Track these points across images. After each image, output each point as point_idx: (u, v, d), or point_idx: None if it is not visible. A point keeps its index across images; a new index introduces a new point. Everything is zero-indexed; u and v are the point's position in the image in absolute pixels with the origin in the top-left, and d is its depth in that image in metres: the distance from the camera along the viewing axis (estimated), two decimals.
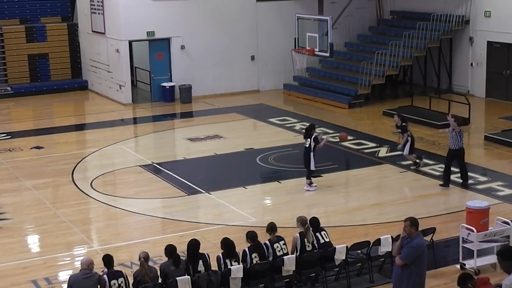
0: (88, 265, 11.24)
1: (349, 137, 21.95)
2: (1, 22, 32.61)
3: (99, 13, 30.73)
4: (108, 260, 11.31)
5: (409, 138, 19.55)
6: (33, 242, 16.18)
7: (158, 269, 11.64)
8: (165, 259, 11.83)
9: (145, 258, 11.35)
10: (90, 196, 18.34)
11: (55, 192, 19.14)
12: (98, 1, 30.64)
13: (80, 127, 27.10)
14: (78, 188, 19.02)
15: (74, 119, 28.39)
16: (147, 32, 29.39)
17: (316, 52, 26.55)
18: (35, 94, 31.75)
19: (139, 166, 20.89)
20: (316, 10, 28.95)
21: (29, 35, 32.66)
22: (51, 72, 33.03)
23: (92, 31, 31.72)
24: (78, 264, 12.59)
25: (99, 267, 11.67)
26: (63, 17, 33.90)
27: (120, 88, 29.92)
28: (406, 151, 19.60)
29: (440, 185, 18.02)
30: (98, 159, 21.96)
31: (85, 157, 22.01)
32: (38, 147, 23.22)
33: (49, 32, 32.97)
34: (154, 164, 20.97)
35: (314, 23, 27.11)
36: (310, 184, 18.16)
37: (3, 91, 31.64)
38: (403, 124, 19.59)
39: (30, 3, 33.44)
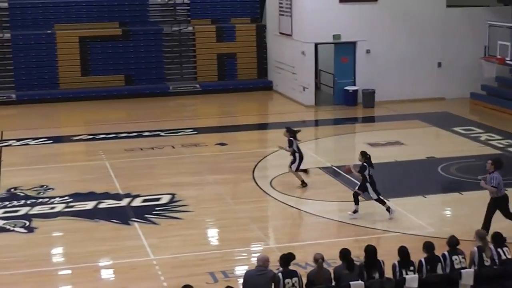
0: (263, 262, 11.38)
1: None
2: (193, 22, 33.88)
3: (287, 15, 31.16)
4: (285, 258, 11.39)
5: (297, 155, 18.87)
6: (212, 235, 16.66)
7: (331, 271, 11.62)
8: (338, 262, 11.79)
9: (322, 260, 11.36)
10: (269, 195, 18.63)
11: (235, 188, 19.60)
12: (286, 3, 31.09)
13: (262, 126, 27.63)
14: (258, 186, 19.37)
15: (257, 118, 28.99)
16: (333, 35, 29.47)
17: (507, 61, 25.57)
18: (222, 92, 32.70)
19: (318, 168, 20.96)
20: (510, 18, 27.85)
21: (219, 34, 33.72)
22: (238, 72, 33.90)
23: (279, 32, 32.22)
24: (254, 260, 12.82)
25: (274, 265, 11.79)
26: (252, 18, 34.70)
27: (304, 90, 30.18)
28: (294, 167, 18.95)
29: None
30: (278, 158, 22.20)
31: (266, 156, 22.39)
32: (222, 144, 23.88)
33: (238, 32, 33.87)
34: (333, 167, 20.98)
35: (507, 31, 26.11)
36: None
37: (191, 88, 32.86)
38: (290, 138, 18.94)
39: (221, 4, 34.51)
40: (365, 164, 16.66)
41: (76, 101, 31.01)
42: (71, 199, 18.37)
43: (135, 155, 22.72)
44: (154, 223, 16.69)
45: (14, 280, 13.85)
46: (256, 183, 19.61)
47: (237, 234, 16.01)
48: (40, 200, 18.38)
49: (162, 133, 25.42)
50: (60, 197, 18.54)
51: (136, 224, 16.64)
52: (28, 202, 18.21)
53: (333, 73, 30.55)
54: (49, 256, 15.29)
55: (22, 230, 16.41)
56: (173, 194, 18.59)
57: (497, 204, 15.30)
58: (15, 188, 19.31)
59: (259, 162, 21.65)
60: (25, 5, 32.63)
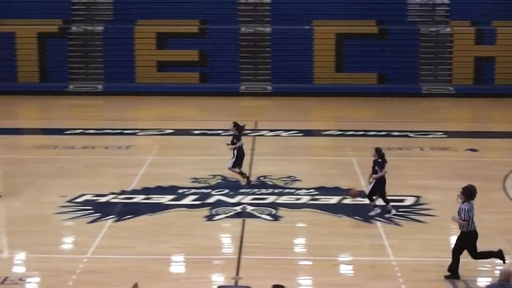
0: (506, 276, 10.92)
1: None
2: (452, 23, 33.14)
3: None
4: None
5: (235, 152, 18.77)
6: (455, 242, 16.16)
7: None
8: None
9: None
10: None
11: (482, 197, 18.71)
12: None
13: None
14: (508, 196, 18.56)
15: None
16: None
17: None
18: (477, 97, 31.67)
19: None
20: None
21: (478, 37, 32.71)
22: (495, 76, 32.67)
23: None
24: (498, 273, 12.30)
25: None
26: None
27: None
28: (230, 164, 18.85)
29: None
30: None
31: None
32: (473, 150, 23.13)
33: (499, 35, 32.66)
34: None
35: None
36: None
37: (445, 90, 32.16)
38: (236, 134, 18.88)
39: (483, 5, 33.45)
40: (379, 160, 16.71)
41: (328, 96, 31.57)
42: (316, 192, 18.74)
43: None
44: (396, 224, 16.57)
45: (256, 265, 14.37)
46: (507, 193, 18.79)
47: (482, 244, 15.36)
48: (287, 190, 18.94)
49: (411, 134, 25.14)
50: (306, 189, 18.98)
51: (378, 223, 16.61)
52: (276, 191, 18.83)
53: None
54: (291, 245, 15.70)
55: (268, 217, 17.00)
56: (418, 197, 18.32)
57: (464, 239, 13.45)
58: (265, 177, 20.06)
59: (511, 171, 20.70)
60: (287, 0, 33.72)
